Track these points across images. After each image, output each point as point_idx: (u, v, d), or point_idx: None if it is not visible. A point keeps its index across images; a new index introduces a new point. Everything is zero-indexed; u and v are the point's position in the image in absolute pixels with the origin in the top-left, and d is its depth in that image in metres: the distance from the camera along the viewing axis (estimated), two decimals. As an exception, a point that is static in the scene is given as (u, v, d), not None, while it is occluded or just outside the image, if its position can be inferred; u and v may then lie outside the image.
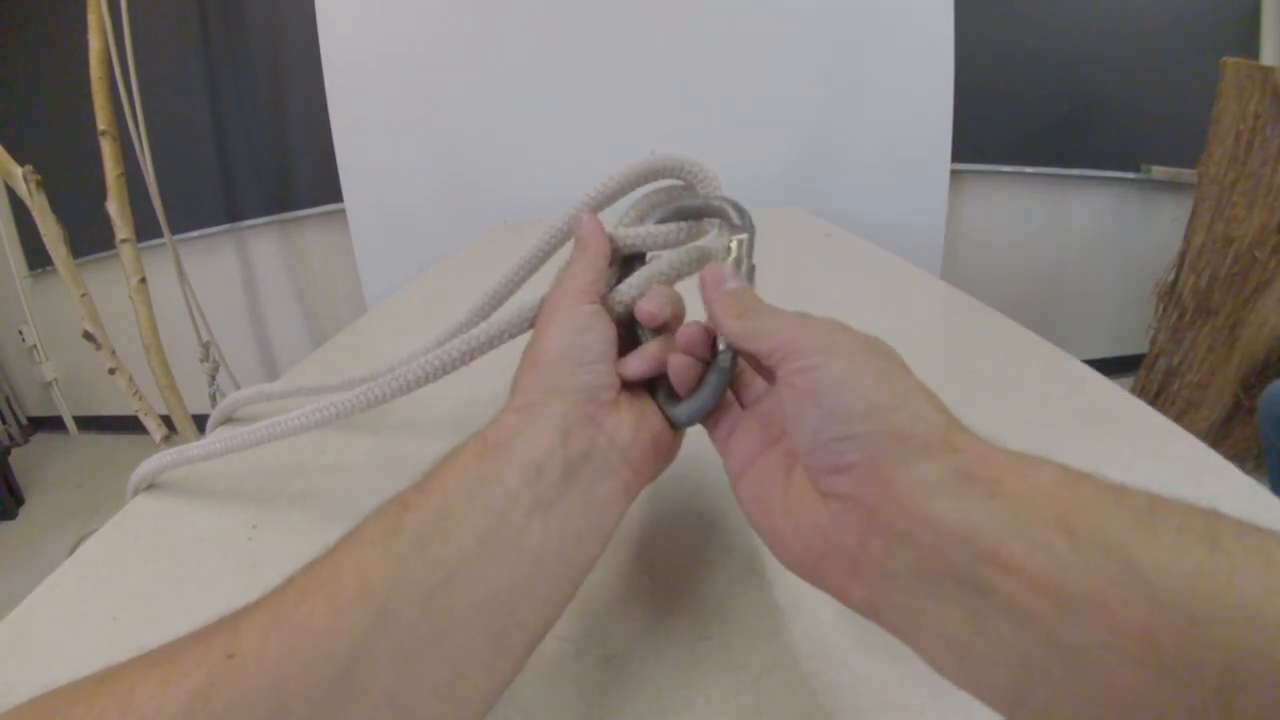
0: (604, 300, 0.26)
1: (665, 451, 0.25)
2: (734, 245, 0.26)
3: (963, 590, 0.15)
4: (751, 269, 0.25)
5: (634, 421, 0.24)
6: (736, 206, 0.26)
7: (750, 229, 0.26)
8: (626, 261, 0.29)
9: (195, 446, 0.36)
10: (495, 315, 0.28)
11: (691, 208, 0.28)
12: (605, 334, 0.24)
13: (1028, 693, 0.14)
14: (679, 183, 0.29)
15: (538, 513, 0.20)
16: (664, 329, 0.26)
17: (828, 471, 0.19)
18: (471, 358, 0.27)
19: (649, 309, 0.25)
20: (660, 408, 0.25)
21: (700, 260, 0.27)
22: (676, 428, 0.25)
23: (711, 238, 0.28)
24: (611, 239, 0.28)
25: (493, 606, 0.18)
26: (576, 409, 0.23)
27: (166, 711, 0.13)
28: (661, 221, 0.28)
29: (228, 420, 0.50)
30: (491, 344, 0.27)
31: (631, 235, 0.28)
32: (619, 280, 0.27)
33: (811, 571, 0.20)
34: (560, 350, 0.24)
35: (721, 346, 0.24)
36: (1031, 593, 0.14)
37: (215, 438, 0.35)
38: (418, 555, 0.18)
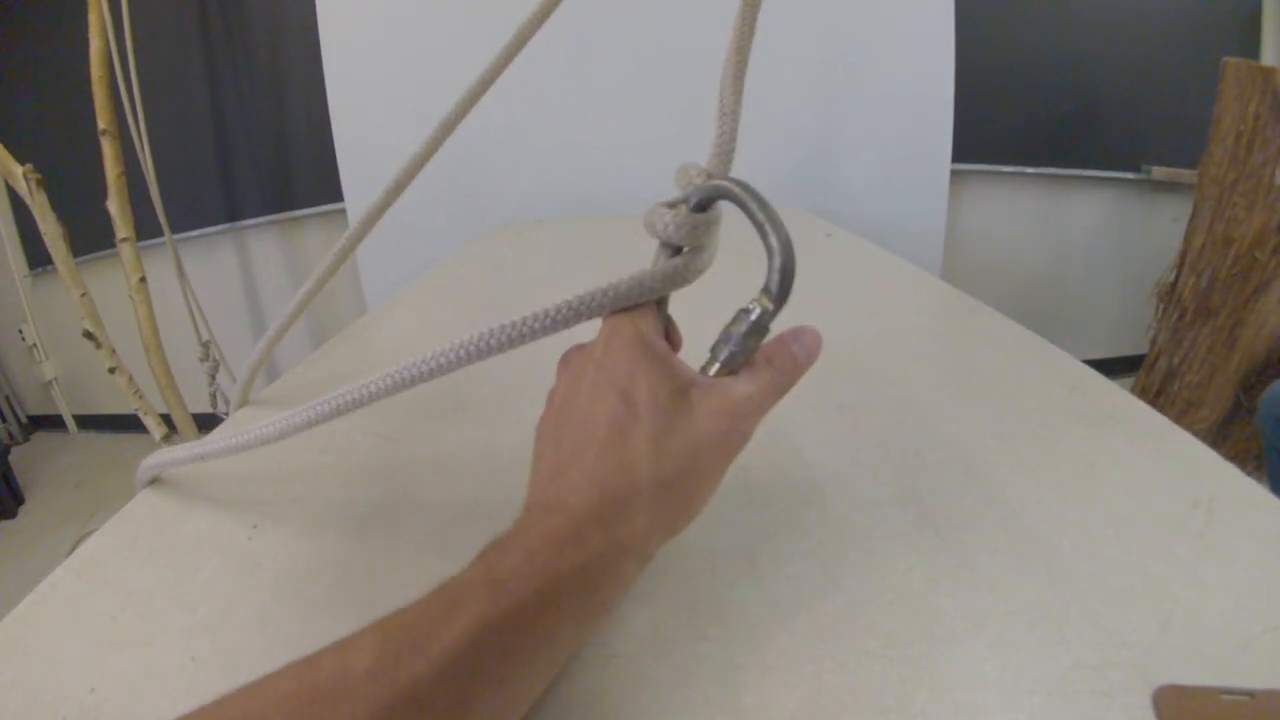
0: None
1: None
2: (755, 308, 0.24)
3: None
4: (761, 336, 0.24)
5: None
6: (787, 257, 0.22)
7: (785, 301, 0.23)
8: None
9: (212, 441, 0.34)
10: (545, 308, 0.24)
11: (737, 202, 0.24)
12: None
13: None
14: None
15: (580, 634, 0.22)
16: None
17: None
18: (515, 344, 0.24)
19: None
20: None
21: (676, 281, 0.25)
22: None
23: (707, 255, 0.26)
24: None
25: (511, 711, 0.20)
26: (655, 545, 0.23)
27: None
28: (701, 207, 0.25)
29: (245, 403, 0.52)
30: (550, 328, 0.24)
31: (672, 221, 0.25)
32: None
33: None
34: (669, 477, 0.22)
35: None
36: None
37: (227, 434, 0.33)
38: None
